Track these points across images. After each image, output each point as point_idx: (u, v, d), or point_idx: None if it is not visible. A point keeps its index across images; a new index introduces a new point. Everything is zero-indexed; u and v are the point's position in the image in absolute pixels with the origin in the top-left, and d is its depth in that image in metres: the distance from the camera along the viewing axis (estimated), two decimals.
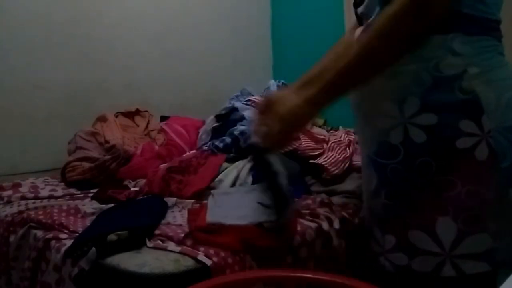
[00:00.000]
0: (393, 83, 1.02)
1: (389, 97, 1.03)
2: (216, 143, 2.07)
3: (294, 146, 1.84)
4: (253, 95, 2.42)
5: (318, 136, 1.98)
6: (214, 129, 2.20)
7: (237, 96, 2.49)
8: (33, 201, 1.72)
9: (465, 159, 0.96)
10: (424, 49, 0.99)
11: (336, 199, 1.68)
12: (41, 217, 1.51)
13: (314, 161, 1.84)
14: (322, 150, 1.91)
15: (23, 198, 1.74)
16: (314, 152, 1.89)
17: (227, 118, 2.19)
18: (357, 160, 1.80)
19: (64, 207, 1.63)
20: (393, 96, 1.02)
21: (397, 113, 1.01)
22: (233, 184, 1.80)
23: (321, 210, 1.56)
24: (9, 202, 1.71)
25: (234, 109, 2.25)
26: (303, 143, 1.89)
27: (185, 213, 1.56)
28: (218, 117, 2.24)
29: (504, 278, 0.64)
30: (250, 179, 1.83)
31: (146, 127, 2.37)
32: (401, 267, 1.07)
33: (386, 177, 1.06)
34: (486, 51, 1.00)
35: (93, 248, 1.22)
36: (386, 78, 1.02)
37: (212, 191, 1.70)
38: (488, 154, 0.95)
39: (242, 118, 2.15)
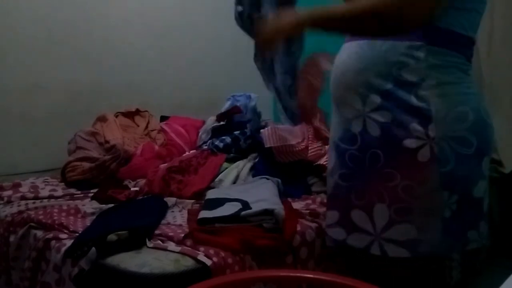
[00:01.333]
0: (360, 79, 1.13)
1: (356, 91, 1.14)
2: (216, 142, 2.07)
3: (303, 156, 1.90)
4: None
5: (324, 132, 1.98)
6: (214, 129, 2.21)
7: (233, 96, 2.50)
8: (33, 201, 1.72)
9: (409, 158, 1.08)
10: (391, 52, 1.09)
11: None
12: (41, 217, 1.51)
13: (317, 163, 1.85)
14: (324, 150, 1.92)
15: (23, 198, 1.74)
16: (319, 158, 1.90)
17: (231, 119, 2.19)
18: None
19: (64, 207, 1.63)
20: (359, 90, 1.13)
21: (360, 105, 1.14)
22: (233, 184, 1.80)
23: (321, 210, 1.56)
24: (9, 202, 1.72)
25: (238, 110, 2.26)
26: (310, 151, 1.91)
27: (185, 213, 1.56)
28: (220, 116, 2.24)
29: (504, 278, 0.64)
30: (250, 179, 1.83)
31: (146, 127, 2.37)
32: (338, 241, 1.22)
33: (344, 161, 1.19)
34: (448, 65, 1.08)
35: (93, 248, 1.22)
36: (355, 73, 1.14)
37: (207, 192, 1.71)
38: (429, 157, 1.06)
39: (249, 120, 2.17)
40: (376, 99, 1.11)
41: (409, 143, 1.07)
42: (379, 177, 1.12)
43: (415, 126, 1.06)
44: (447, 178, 1.07)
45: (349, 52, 1.17)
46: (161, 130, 2.37)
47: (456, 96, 1.08)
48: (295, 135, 1.92)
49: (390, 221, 1.11)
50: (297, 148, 1.87)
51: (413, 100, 1.07)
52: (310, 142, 1.93)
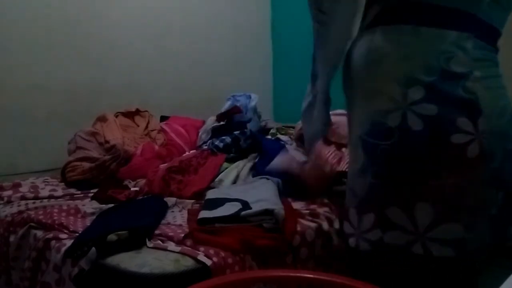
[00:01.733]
0: (402, 67, 1.04)
1: (396, 79, 1.04)
2: (216, 142, 2.07)
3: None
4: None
5: (329, 136, 1.98)
6: (214, 129, 2.21)
7: (233, 96, 2.50)
8: (33, 201, 1.72)
9: (456, 154, 1.00)
10: (438, 40, 1.02)
11: (336, 199, 1.68)
12: (41, 217, 1.51)
13: (339, 170, 1.85)
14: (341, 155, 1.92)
15: (23, 198, 1.74)
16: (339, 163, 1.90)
17: (231, 119, 2.20)
18: None
19: (64, 207, 1.63)
20: (400, 80, 1.04)
21: (400, 97, 1.04)
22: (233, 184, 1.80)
23: (321, 210, 1.56)
24: (9, 202, 1.71)
25: (238, 110, 2.26)
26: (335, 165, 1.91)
27: (185, 213, 1.56)
28: (220, 116, 2.25)
29: (504, 278, 0.64)
30: (250, 179, 1.83)
31: (146, 127, 2.37)
32: (374, 242, 1.11)
33: (376, 157, 1.09)
34: (488, 59, 1.05)
35: (93, 248, 1.22)
36: (396, 61, 1.04)
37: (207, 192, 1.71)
38: (478, 153, 1.00)
39: (249, 120, 2.17)
40: (420, 90, 1.02)
41: (457, 138, 1.00)
42: (421, 175, 1.04)
43: (464, 120, 0.99)
44: (495, 174, 1.02)
45: (386, 38, 1.08)
46: (161, 130, 2.37)
47: (499, 89, 1.05)
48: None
49: (435, 220, 1.04)
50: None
51: (461, 92, 1.00)
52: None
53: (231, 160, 1.96)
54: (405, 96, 1.03)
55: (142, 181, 1.89)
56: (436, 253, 1.05)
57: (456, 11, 1.04)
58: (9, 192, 1.79)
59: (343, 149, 1.95)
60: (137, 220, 1.40)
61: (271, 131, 2.43)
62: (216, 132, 2.18)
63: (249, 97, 2.49)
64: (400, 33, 1.06)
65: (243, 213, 1.40)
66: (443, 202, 1.04)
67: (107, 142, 2.09)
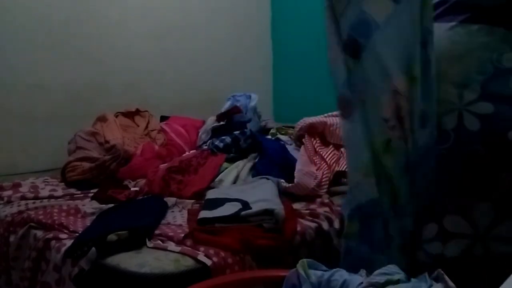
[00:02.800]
0: (458, 67, 1.02)
1: (451, 81, 1.02)
2: (216, 142, 2.07)
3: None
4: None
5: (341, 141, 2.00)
6: (214, 129, 2.21)
7: (233, 96, 2.50)
8: (33, 201, 1.72)
9: None
10: (489, 37, 1.00)
11: (336, 199, 1.69)
12: (41, 217, 1.51)
13: (339, 169, 1.86)
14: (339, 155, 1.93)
15: (23, 198, 1.74)
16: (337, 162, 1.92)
17: (231, 119, 2.20)
18: None
19: (64, 207, 1.63)
20: (455, 80, 1.02)
21: (455, 98, 1.02)
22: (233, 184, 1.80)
23: (321, 210, 1.56)
24: (9, 202, 1.71)
25: (238, 110, 2.26)
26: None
27: (185, 213, 1.56)
28: (220, 116, 2.25)
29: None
30: (250, 179, 1.83)
31: (146, 127, 2.37)
32: (436, 256, 1.06)
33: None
34: None
35: (93, 248, 1.22)
36: (450, 60, 1.02)
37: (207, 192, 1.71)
38: None
39: (249, 120, 2.17)
40: (476, 89, 1.00)
41: None
42: (480, 175, 1.02)
43: None
44: None
45: (436, 37, 1.04)
46: (161, 130, 2.37)
47: None
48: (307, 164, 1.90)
49: (496, 218, 1.01)
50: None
51: None
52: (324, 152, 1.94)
53: (231, 160, 1.96)
54: (461, 97, 1.01)
55: (142, 181, 1.89)
56: (499, 251, 1.02)
57: (502, 7, 1.03)
58: (9, 192, 1.79)
59: (342, 149, 1.96)
60: (137, 220, 1.40)
61: (271, 131, 2.43)
62: (216, 132, 2.18)
63: (249, 97, 2.49)
64: (452, 32, 1.05)
65: (243, 213, 1.40)
66: (503, 200, 1.01)
67: (107, 142, 2.09)
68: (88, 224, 1.45)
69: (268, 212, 1.39)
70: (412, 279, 0.87)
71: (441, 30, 1.05)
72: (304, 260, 0.92)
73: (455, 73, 1.03)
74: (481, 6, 1.04)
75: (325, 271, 0.92)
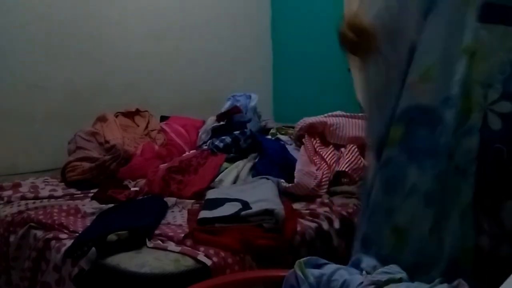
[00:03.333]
0: (484, 66, 1.03)
1: (477, 80, 1.03)
2: (216, 142, 2.07)
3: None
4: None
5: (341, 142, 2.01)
6: (214, 129, 2.21)
7: (233, 96, 2.50)
8: (33, 201, 1.72)
9: None
10: (506, 37, 1.01)
11: (336, 199, 1.69)
12: (41, 217, 1.51)
13: (339, 169, 1.85)
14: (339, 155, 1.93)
15: (23, 198, 1.74)
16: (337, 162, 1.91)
17: (231, 119, 2.20)
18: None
19: (64, 207, 1.63)
20: (481, 79, 1.03)
21: (480, 97, 1.02)
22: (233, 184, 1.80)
23: (321, 210, 1.56)
24: (9, 202, 1.71)
25: (238, 110, 2.26)
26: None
27: (185, 213, 1.56)
28: (220, 116, 2.25)
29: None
30: (250, 179, 1.83)
31: (146, 127, 2.37)
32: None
33: None
34: None
35: (93, 248, 1.22)
36: (477, 59, 1.03)
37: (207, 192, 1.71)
38: None
39: (249, 120, 2.17)
40: (499, 87, 1.01)
41: None
42: (505, 173, 1.02)
43: None
44: None
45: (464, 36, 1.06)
46: (161, 130, 2.37)
47: None
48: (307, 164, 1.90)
49: None
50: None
51: None
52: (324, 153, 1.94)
53: (231, 160, 1.96)
54: (485, 96, 1.02)
55: (142, 181, 1.89)
56: None
57: None
58: (9, 192, 1.79)
59: (342, 149, 1.96)
60: (137, 220, 1.40)
61: (271, 131, 2.43)
62: (216, 132, 2.18)
63: (249, 97, 2.49)
64: (478, 32, 1.05)
65: (243, 213, 1.40)
66: None
67: (107, 142, 2.09)
68: (88, 224, 1.45)
69: (268, 212, 1.39)
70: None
71: (469, 29, 1.05)
72: (301, 260, 0.92)
73: (481, 72, 1.03)
74: (497, 5, 1.04)
75: (325, 264, 0.92)
